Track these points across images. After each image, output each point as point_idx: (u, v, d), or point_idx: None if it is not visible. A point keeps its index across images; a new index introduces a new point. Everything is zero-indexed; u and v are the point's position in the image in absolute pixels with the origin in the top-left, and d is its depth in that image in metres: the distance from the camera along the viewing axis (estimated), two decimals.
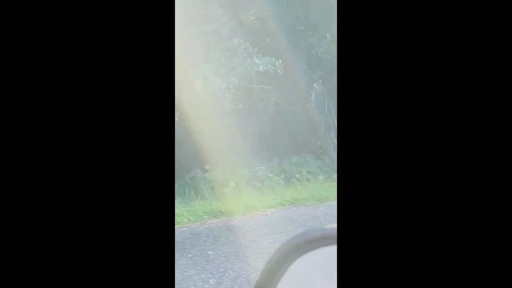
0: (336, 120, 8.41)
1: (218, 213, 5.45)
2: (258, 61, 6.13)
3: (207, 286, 3.76)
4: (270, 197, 5.92)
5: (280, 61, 6.47)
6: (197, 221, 5.32)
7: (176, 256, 4.24)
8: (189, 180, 6.72)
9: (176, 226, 4.96)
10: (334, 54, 8.15)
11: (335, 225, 0.95)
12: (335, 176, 7.40)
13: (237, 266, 4.07)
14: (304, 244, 0.96)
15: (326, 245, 0.95)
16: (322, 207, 5.56)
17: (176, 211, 5.31)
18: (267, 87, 6.90)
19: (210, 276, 3.90)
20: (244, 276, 3.89)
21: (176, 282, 3.69)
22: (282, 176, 7.05)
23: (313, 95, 8.35)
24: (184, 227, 5.14)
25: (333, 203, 5.73)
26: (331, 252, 0.93)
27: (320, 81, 8.32)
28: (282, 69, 6.50)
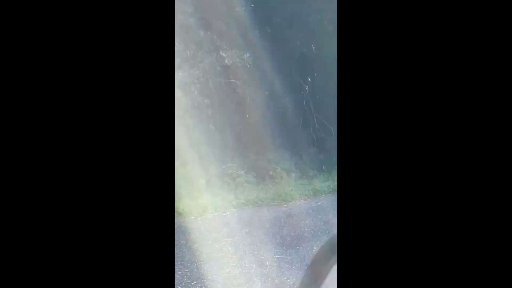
0: (315, 115, 8.16)
1: (175, 214, 5.20)
2: (223, 54, 5.86)
3: None
4: (233, 197, 5.68)
5: (248, 54, 6.20)
6: None
7: None
8: None
9: None
10: (311, 47, 7.87)
11: None
12: (311, 173, 7.15)
13: (180, 272, 3.83)
14: None
15: None
16: (285, 208, 5.31)
17: None
18: (237, 81, 6.63)
19: None
20: (184, 283, 3.66)
21: None
22: (253, 173, 6.79)
23: (290, 90, 8.07)
24: None
25: (299, 202, 5.49)
26: None
27: (299, 75, 8.04)
28: (250, 63, 6.22)
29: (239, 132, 7.88)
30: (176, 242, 4.52)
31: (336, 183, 6.24)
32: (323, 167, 7.45)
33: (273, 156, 7.67)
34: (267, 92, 7.80)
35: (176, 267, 3.93)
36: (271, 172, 7.12)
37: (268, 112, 8.20)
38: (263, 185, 6.31)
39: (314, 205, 5.34)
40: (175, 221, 5.12)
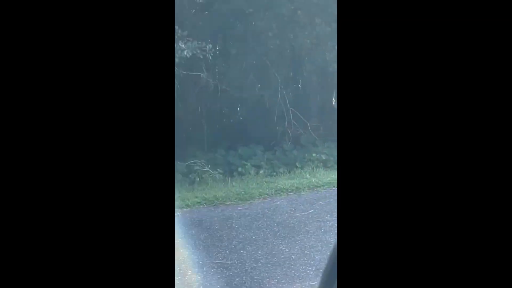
0: (291, 109, 7.89)
1: None
2: (183, 45, 5.58)
3: None
4: (191, 195, 5.43)
5: (210, 46, 5.92)
6: None
7: None
8: None
9: None
10: (284, 39, 7.58)
11: None
12: (281, 169, 6.90)
13: None
14: None
15: None
16: (241, 207, 5.06)
17: None
18: (201, 74, 6.36)
19: None
20: None
21: None
22: (219, 170, 6.54)
23: (264, 83, 7.80)
24: None
25: (257, 202, 5.24)
26: None
27: (273, 67, 7.75)
28: (212, 54, 5.94)
29: (208, 125, 7.64)
30: None
31: (304, 180, 5.99)
32: (297, 163, 7.20)
33: (244, 151, 7.41)
34: (238, 85, 7.52)
35: None
36: (239, 169, 6.87)
37: (241, 105, 7.94)
38: (225, 183, 6.06)
39: (272, 205, 5.09)
40: None
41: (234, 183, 6.00)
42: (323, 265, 3.82)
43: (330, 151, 7.51)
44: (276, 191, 5.49)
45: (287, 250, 3.99)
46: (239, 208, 5.02)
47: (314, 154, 7.31)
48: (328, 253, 1.08)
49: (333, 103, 8.36)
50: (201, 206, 5.12)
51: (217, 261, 3.83)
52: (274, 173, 6.76)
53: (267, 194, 5.40)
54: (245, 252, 3.98)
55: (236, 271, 3.66)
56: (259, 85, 7.87)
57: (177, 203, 5.25)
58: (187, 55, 5.58)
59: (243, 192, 5.41)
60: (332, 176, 5.99)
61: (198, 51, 5.75)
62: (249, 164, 6.98)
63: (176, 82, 5.97)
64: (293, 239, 4.20)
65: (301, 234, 4.28)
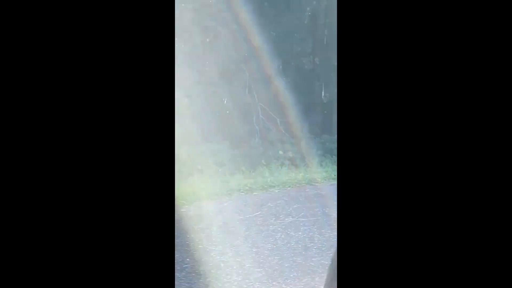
0: (259, 103, 7.64)
1: None
2: None
3: None
4: None
5: None
6: None
7: None
8: None
9: None
10: (251, 31, 7.31)
11: None
12: (243, 167, 6.65)
13: None
14: None
15: None
16: (185, 209, 4.80)
17: None
18: None
19: None
20: None
21: None
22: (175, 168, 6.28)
23: (232, 77, 7.53)
24: None
25: (205, 203, 4.98)
26: None
27: (239, 61, 7.48)
28: None
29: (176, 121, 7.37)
30: None
31: (259, 179, 5.74)
32: (262, 161, 6.95)
33: (209, 147, 7.17)
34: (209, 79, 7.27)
35: None
36: (199, 166, 6.62)
37: (205, 99, 7.68)
38: (178, 182, 5.80)
39: (218, 206, 4.84)
40: None
41: (184, 182, 5.74)
42: (251, 273, 3.54)
43: (298, 148, 7.27)
44: (227, 191, 5.23)
45: (218, 257, 3.74)
46: (182, 210, 4.76)
47: (280, 152, 7.06)
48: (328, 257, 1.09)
49: (322, 97, 8.11)
50: None
51: None
52: (236, 171, 6.52)
53: (216, 195, 5.14)
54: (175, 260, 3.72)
55: None
56: (226, 79, 7.60)
57: None
58: None
59: (191, 193, 5.15)
60: (290, 175, 5.74)
61: None
62: (210, 161, 6.73)
63: None
64: (228, 244, 3.94)
65: (239, 239, 4.02)
